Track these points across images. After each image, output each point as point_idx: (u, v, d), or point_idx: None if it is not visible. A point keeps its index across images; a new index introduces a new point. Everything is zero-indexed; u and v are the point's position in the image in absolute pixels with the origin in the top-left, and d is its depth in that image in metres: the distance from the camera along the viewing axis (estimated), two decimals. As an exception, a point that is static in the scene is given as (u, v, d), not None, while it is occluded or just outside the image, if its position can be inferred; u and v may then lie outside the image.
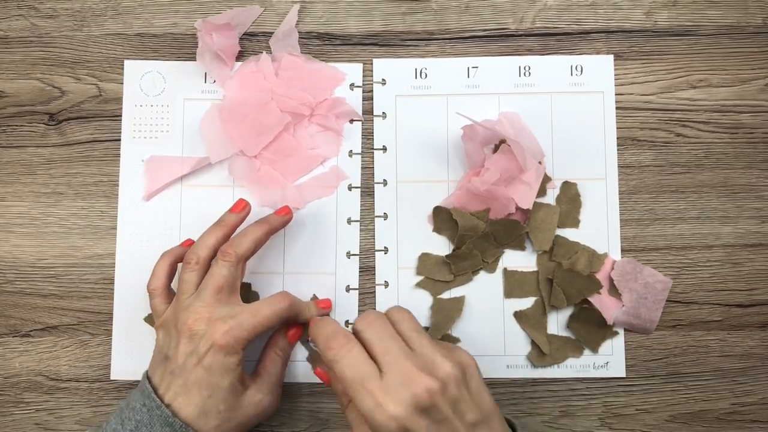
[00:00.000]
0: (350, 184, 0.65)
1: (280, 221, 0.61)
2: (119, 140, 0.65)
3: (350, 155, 0.65)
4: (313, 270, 0.64)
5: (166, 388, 0.53)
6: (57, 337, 0.64)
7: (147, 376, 0.56)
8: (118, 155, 0.65)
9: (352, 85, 0.65)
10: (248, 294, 0.64)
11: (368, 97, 0.65)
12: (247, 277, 0.64)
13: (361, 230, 0.65)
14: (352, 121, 0.65)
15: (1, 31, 0.65)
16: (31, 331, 0.64)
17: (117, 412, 0.54)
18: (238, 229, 0.60)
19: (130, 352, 0.64)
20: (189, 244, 0.61)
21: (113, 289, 0.64)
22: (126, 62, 0.65)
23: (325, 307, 0.62)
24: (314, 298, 0.64)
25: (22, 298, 0.64)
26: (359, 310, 0.64)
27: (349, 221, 0.65)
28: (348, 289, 0.64)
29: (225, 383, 0.54)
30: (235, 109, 0.64)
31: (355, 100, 0.65)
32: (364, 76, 0.66)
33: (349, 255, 0.65)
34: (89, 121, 0.65)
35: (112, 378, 0.64)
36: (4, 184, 0.65)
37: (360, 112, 0.65)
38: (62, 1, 0.66)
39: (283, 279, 0.64)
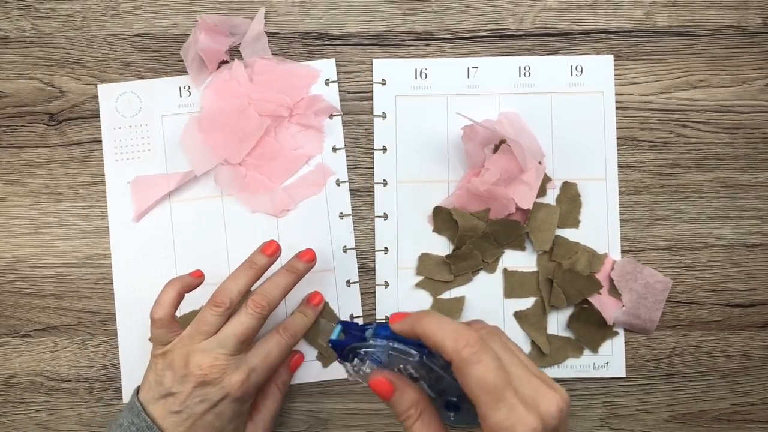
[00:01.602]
0: (338, 179, 0.65)
1: (307, 268, 0.60)
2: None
3: (334, 150, 0.65)
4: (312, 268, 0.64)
5: (168, 426, 0.53)
6: (57, 337, 0.64)
7: (139, 400, 0.55)
8: (118, 155, 0.65)
9: (327, 81, 0.65)
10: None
11: (368, 97, 0.65)
12: None
13: (361, 230, 0.65)
14: (332, 116, 0.65)
15: (1, 31, 0.65)
16: (31, 331, 0.64)
17: (104, 430, 0.54)
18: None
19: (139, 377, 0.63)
20: (198, 275, 0.60)
21: (113, 290, 0.64)
22: (99, 86, 0.65)
23: (318, 303, 0.63)
24: (305, 300, 0.64)
25: (22, 298, 0.64)
26: (362, 304, 0.65)
27: (341, 216, 0.65)
28: (348, 283, 0.65)
29: (231, 427, 0.55)
30: (213, 119, 0.64)
31: (332, 96, 0.65)
32: (364, 76, 0.66)
33: (345, 249, 0.65)
34: (89, 121, 0.65)
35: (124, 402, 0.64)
36: (4, 184, 0.65)
37: (338, 106, 0.65)
38: (62, 2, 0.66)
39: None
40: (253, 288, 0.58)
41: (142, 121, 0.65)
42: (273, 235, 0.65)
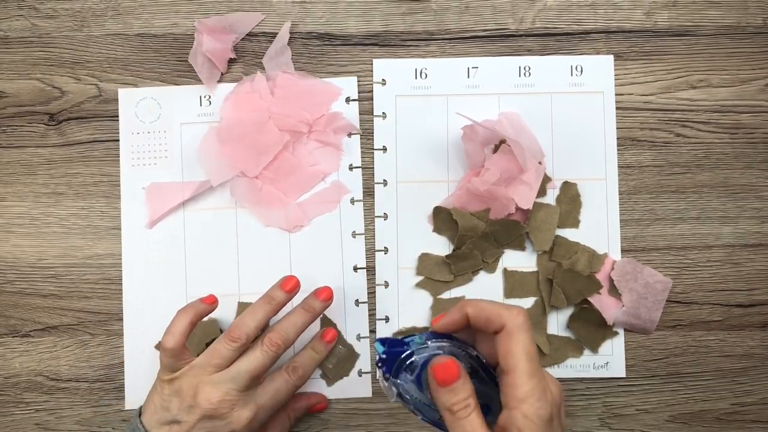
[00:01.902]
0: (353, 198, 0.65)
1: (323, 307, 0.60)
2: (119, 140, 0.65)
3: (350, 169, 0.65)
4: (320, 286, 0.64)
5: None
6: (57, 337, 0.64)
7: (142, 423, 0.54)
8: (118, 155, 0.65)
9: (347, 99, 0.65)
10: None
11: (368, 97, 0.65)
12: (258, 296, 0.63)
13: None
14: (350, 134, 0.65)
15: (1, 31, 0.65)
16: (31, 331, 0.64)
17: None
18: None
19: (143, 383, 0.64)
20: (211, 300, 0.59)
21: (113, 290, 0.64)
22: (120, 90, 0.65)
23: (330, 341, 0.62)
24: (317, 335, 0.63)
25: (22, 298, 0.64)
26: (369, 324, 0.64)
27: (354, 235, 0.65)
28: (357, 303, 0.65)
29: None
30: (232, 131, 0.64)
31: (351, 114, 0.65)
32: (364, 76, 0.66)
33: (355, 269, 0.65)
34: (89, 121, 0.65)
35: (126, 408, 0.64)
36: (4, 184, 0.65)
37: (357, 125, 0.65)
38: (62, 2, 0.66)
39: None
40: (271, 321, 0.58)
41: (160, 128, 0.65)
42: (284, 250, 0.65)
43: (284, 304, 0.59)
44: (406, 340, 0.47)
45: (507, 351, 0.44)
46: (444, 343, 0.47)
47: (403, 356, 0.46)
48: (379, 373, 0.46)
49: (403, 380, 0.46)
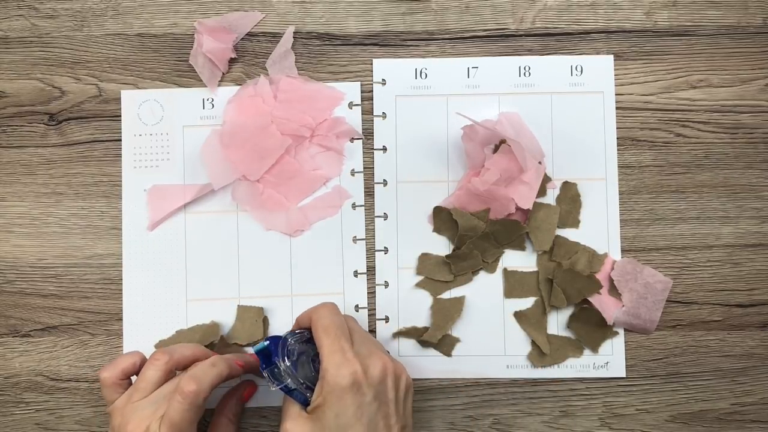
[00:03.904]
0: (354, 203, 0.65)
1: (239, 372, 0.58)
2: (119, 140, 0.65)
3: (352, 174, 0.65)
4: (320, 291, 0.64)
5: None
6: (57, 337, 0.64)
7: None
8: (118, 155, 0.65)
9: (350, 104, 0.65)
10: (260, 320, 0.64)
11: (368, 97, 0.65)
12: (258, 300, 0.64)
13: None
14: (352, 140, 0.65)
15: (1, 31, 0.65)
16: (31, 331, 0.64)
17: None
18: None
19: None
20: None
21: (113, 290, 0.64)
22: (122, 92, 0.65)
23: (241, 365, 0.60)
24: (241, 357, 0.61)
25: (22, 298, 0.64)
26: (369, 325, 0.64)
27: (355, 240, 0.65)
28: (357, 308, 0.64)
29: None
30: (235, 134, 0.63)
31: (354, 119, 0.65)
32: (364, 76, 0.66)
33: (356, 274, 0.65)
34: (89, 121, 0.65)
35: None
36: (4, 184, 0.65)
37: (360, 130, 0.65)
38: (62, 1, 0.66)
39: (292, 301, 0.64)
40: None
41: (163, 130, 0.65)
42: (285, 254, 0.65)
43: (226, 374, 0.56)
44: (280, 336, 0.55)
45: (314, 334, 0.54)
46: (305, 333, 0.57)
47: (282, 339, 0.55)
48: (262, 368, 0.54)
49: (283, 365, 0.53)
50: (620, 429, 0.64)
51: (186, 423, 0.51)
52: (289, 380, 0.53)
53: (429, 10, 0.66)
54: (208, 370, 0.54)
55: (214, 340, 0.62)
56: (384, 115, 0.65)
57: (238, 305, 0.64)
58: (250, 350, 0.56)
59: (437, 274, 0.64)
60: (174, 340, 0.63)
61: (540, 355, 0.63)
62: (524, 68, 0.65)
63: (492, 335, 0.64)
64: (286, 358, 0.53)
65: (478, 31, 0.66)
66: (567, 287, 0.63)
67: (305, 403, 0.53)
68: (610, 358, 0.64)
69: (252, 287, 0.64)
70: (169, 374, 0.55)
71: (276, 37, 0.65)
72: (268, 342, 0.54)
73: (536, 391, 0.64)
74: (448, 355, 0.64)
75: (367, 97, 0.65)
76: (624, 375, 0.64)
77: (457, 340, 0.64)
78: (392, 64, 0.65)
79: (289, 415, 0.52)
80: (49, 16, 0.66)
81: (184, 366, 0.56)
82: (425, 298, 0.64)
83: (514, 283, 0.64)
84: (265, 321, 0.64)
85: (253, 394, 0.63)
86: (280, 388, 0.53)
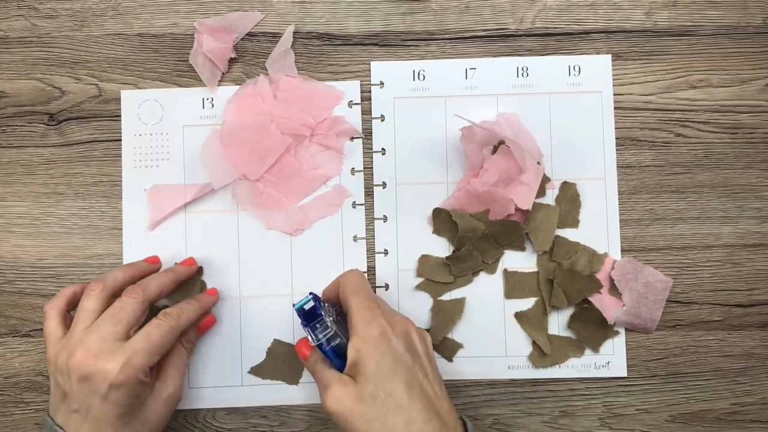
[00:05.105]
0: (354, 202, 0.65)
1: (186, 272, 0.61)
2: (119, 140, 0.65)
3: (352, 173, 0.65)
4: (321, 289, 0.64)
5: (76, 429, 0.52)
6: (57, 337, 0.64)
7: (49, 416, 0.54)
8: (119, 155, 0.65)
9: (350, 103, 0.65)
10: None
11: (367, 98, 0.65)
12: (255, 300, 0.64)
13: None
14: (352, 138, 0.65)
15: (1, 31, 0.65)
16: (31, 331, 0.64)
17: None
18: None
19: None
20: (152, 260, 0.62)
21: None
22: (122, 92, 0.65)
23: (213, 294, 0.63)
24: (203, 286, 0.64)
25: (22, 298, 0.64)
26: None
27: (355, 239, 0.65)
28: None
29: (138, 405, 0.54)
30: (235, 134, 0.63)
31: (354, 118, 0.65)
32: (364, 76, 0.66)
33: None
34: (89, 121, 0.65)
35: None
36: (4, 184, 0.65)
37: (360, 129, 0.65)
38: (62, 1, 0.66)
39: (292, 300, 0.64)
40: None
41: (162, 130, 0.65)
42: (286, 253, 0.65)
43: (145, 273, 0.60)
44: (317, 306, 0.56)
45: (341, 299, 0.56)
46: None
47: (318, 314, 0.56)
48: (304, 325, 0.56)
49: (329, 319, 0.55)
50: (620, 429, 0.64)
51: (130, 320, 0.54)
52: (332, 334, 0.54)
53: (429, 10, 0.66)
54: (188, 306, 0.58)
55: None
56: (382, 118, 0.65)
57: (240, 304, 0.64)
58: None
59: (437, 275, 0.64)
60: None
61: (541, 355, 0.64)
62: (522, 69, 0.65)
63: (493, 336, 0.64)
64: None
65: (478, 31, 0.66)
66: (567, 287, 0.63)
67: (339, 368, 0.54)
68: (611, 358, 0.64)
69: (252, 286, 0.64)
70: (108, 301, 0.56)
71: (276, 37, 0.65)
72: (311, 296, 0.56)
73: (536, 391, 0.64)
74: (450, 360, 0.64)
75: (366, 97, 0.65)
76: (625, 374, 0.64)
77: (459, 345, 0.64)
78: (390, 66, 0.65)
79: (330, 381, 0.52)
80: (49, 16, 0.66)
81: (120, 290, 0.57)
82: (426, 300, 0.64)
83: (515, 284, 0.64)
84: (265, 324, 0.64)
85: (210, 325, 0.63)
86: (319, 346, 0.54)
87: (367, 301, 0.54)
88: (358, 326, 0.53)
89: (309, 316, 0.55)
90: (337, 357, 0.54)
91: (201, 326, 0.62)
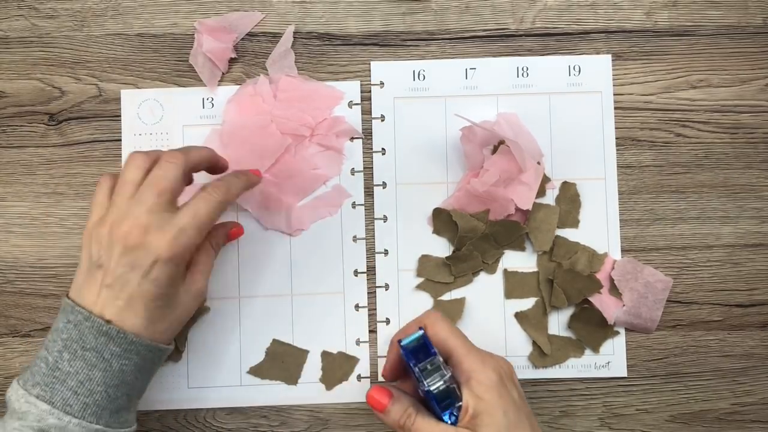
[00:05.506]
0: (354, 202, 0.65)
1: (257, 180, 0.58)
2: (119, 140, 0.65)
3: (352, 173, 0.65)
4: (320, 290, 0.64)
5: (104, 305, 0.49)
6: (57, 337, 0.64)
7: (69, 298, 0.51)
8: (119, 155, 0.65)
9: (350, 103, 0.65)
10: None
11: (367, 98, 0.65)
12: (254, 300, 0.64)
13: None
14: (352, 139, 0.65)
15: (1, 31, 0.65)
16: (31, 331, 0.64)
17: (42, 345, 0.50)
18: None
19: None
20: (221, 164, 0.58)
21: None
22: (122, 92, 0.65)
23: (257, 174, 0.59)
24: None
25: (22, 298, 0.64)
26: (369, 330, 0.64)
27: (355, 239, 0.65)
28: (357, 307, 0.64)
29: (173, 291, 0.51)
30: (235, 133, 0.64)
31: (354, 118, 0.65)
32: (364, 76, 0.66)
33: (356, 273, 0.64)
34: (89, 121, 0.65)
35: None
36: (4, 184, 0.65)
37: (360, 129, 0.65)
38: (62, 1, 0.66)
39: (292, 300, 0.64)
40: None
41: (162, 129, 0.65)
42: (285, 253, 0.65)
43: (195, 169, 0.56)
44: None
45: (437, 340, 0.51)
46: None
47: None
48: (413, 363, 0.50)
49: (440, 358, 0.51)
50: (620, 429, 0.64)
51: (172, 187, 0.51)
52: (440, 379, 0.50)
53: (429, 10, 0.66)
54: (235, 180, 0.55)
55: None
56: (383, 118, 0.65)
57: (239, 304, 0.64)
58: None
59: (437, 275, 0.64)
60: None
61: (541, 355, 0.64)
62: (522, 69, 0.65)
63: (493, 336, 0.64)
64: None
65: (478, 31, 0.66)
66: (567, 287, 0.63)
67: (439, 419, 0.50)
68: (611, 358, 0.64)
69: (252, 286, 0.64)
70: (186, 176, 0.53)
71: (276, 37, 0.65)
72: (422, 333, 0.51)
73: (536, 391, 0.64)
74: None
75: (366, 97, 0.65)
76: (626, 374, 0.64)
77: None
78: (390, 66, 0.65)
79: None
80: (49, 16, 0.66)
81: (196, 168, 0.55)
82: (426, 300, 0.64)
83: (515, 284, 0.64)
84: (264, 324, 0.64)
85: (239, 235, 0.62)
86: (426, 392, 0.50)
87: (468, 343, 0.51)
88: (475, 371, 0.49)
89: (418, 355, 0.50)
90: (440, 406, 0.50)
91: (231, 233, 0.61)
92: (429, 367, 0.50)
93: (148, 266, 0.49)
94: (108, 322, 0.49)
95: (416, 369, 0.50)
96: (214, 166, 0.58)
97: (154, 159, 0.53)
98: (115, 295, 0.49)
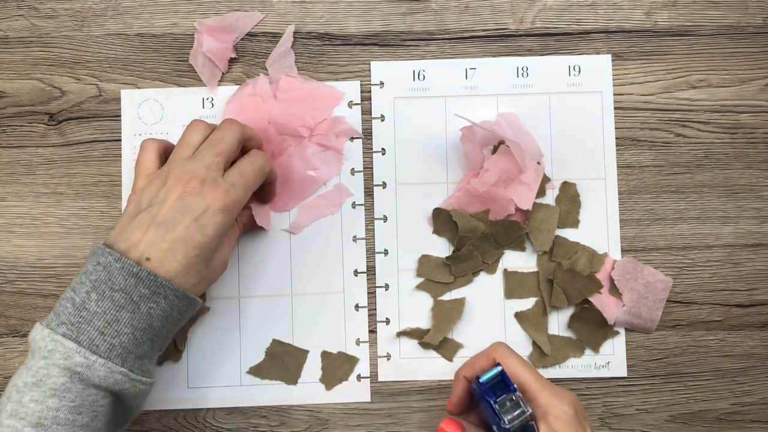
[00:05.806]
0: (354, 202, 0.65)
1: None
2: (119, 140, 0.65)
3: (352, 173, 0.65)
4: (320, 290, 0.64)
5: (149, 243, 0.50)
6: (57, 337, 0.64)
7: (106, 243, 0.51)
8: (119, 155, 0.65)
9: (350, 103, 0.65)
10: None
11: (367, 98, 0.65)
12: (254, 300, 0.64)
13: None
14: (352, 139, 0.65)
15: (1, 31, 0.65)
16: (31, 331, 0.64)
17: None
18: None
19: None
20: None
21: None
22: (122, 92, 0.65)
23: None
24: None
25: (22, 298, 0.64)
26: (369, 330, 0.64)
27: (355, 239, 0.65)
28: (357, 307, 0.64)
29: (214, 244, 0.52)
30: None
31: (354, 118, 0.65)
32: (364, 76, 0.66)
33: (356, 273, 0.64)
34: (89, 121, 0.65)
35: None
36: (4, 184, 0.65)
37: (360, 129, 0.65)
38: (62, 1, 0.66)
39: (292, 300, 0.64)
40: None
41: (163, 129, 0.65)
42: (285, 252, 0.64)
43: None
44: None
45: (510, 374, 0.51)
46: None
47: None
48: (493, 401, 0.50)
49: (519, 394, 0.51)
50: (620, 429, 0.64)
51: (229, 150, 0.54)
52: (520, 415, 0.49)
53: (429, 10, 0.66)
54: (269, 160, 0.58)
55: None
56: (382, 118, 0.65)
57: (240, 304, 0.64)
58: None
59: (437, 275, 0.64)
60: None
61: (541, 355, 0.64)
62: (522, 69, 0.65)
63: (493, 336, 0.64)
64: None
65: (478, 32, 0.66)
66: (567, 287, 0.63)
67: None
68: (611, 358, 0.64)
69: (252, 286, 0.64)
70: (240, 144, 0.56)
71: (276, 37, 0.65)
72: (501, 369, 0.52)
73: (536, 391, 0.64)
74: (450, 360, 0.64)
75: (366, 97, 0.65)
76: (625, 374, 0.64)
77: (460, 345, 0.64)
78: (390, 66, 0.65)
79: None
80: (49, 16, 0.66)
81: (249, 141, 0.58)
82: (426, 300, 0.64)
83: (515, 284, 0.64)
84: (263, 324, 0.64)
85: (274, 178, 0.62)
86: (505, 429, 0.49)
87: (541, 377, 0.52)
88: (551, 405, 0.49)
89: (496, 392, 0.50)
90: None
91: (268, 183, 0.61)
92: (508, 403, 0.50)
93: (199, 212, 0.51)
94: (147, 259, 0.50)
95: (496, 406, 0.50)
96: (260, 149, 0.60)
97: (212, 128, 0.56)
98: (161, 236, 0.50)
